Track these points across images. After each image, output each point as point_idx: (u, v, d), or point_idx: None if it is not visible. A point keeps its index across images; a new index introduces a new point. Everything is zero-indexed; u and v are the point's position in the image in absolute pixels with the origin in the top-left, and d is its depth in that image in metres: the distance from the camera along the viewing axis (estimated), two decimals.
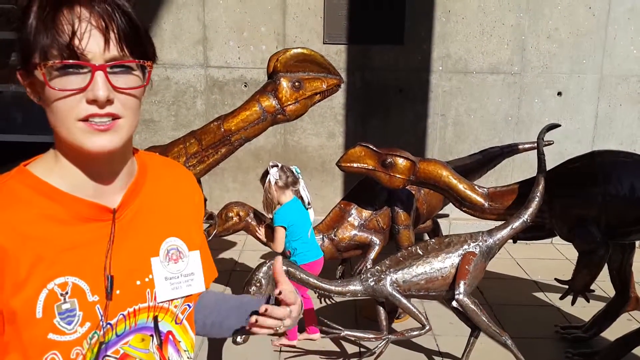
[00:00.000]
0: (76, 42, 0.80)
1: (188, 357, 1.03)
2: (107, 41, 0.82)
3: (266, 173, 3.18)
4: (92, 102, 0.82)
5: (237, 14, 4.90)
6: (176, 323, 1.00)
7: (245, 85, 5.03)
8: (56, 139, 0.89)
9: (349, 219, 3.36)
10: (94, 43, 0.81)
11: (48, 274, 0.85)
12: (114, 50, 0.83)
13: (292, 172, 3.20)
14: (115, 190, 0.94)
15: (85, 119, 0.83)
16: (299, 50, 2.98)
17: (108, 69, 0.82)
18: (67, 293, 0.86)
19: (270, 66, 2.99)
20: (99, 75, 0.82)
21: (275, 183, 3.12)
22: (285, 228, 3.13)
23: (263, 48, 4.93)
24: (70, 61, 0.81)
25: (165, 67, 4.98)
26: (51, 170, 0.90)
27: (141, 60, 0.87)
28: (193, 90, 5.05)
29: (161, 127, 5.10)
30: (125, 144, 0.90)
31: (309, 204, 3.25)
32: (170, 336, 0.99)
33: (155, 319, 0.96)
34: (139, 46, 0.86)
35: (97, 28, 0.81)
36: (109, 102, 0.83)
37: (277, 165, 3.17)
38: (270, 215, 3.25)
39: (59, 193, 0.88)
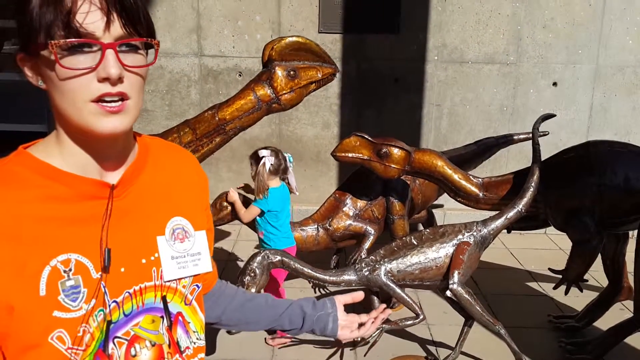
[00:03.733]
0: (82, 21, 0.81)
1: (197, 338, 1.02)
2: (111, 20, 0.82)
3: (256, 154, 3.15)
4: (104, 80, 0.82)
5: (231, 2, 4.86)
6: (185, 304, 0.99)
7: (239, 75, 5.00)
8: (60, 121, 0.89)
9: (344, 209, 3.36)
10: (99, 22, 0.82)
11: (50, 252, 0.85)
12: (119, 29, 0.83)
13: (286, 159, 3.19)
14: (117, 171, 0.94)
15: (97, 100, 0.83)
16: (294, 38, 2.96)
17: (117, 48, 0.83)
18: (70, 270, 0.86)
19: (265, 55, 2.96)
20: (110, 53, 0.82)
21: (268, 168, 3.11)
22: (262, 211, 3.14)
23: (258, 37, 4.90)
24: (82, 39, 0.81)
25: (158, 55, 4.93)
26: (52, 152, 0.90)
27: (149, 39, 0.88)
28: (187, 79, 5.02)
29: (155, 117, 5.07)
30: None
31: (295, 189, 3.26)
32: (179, 317, 0.98)
33: (164, 299, 0.96)
34: (142, 25, 0.87)
35: (100, 7, 0.82)
36: (120, 80, 0.83)
37: (272, 150, 3.15)
38: (260, 196, 3.17)
39: (58, 172, 0.88)
